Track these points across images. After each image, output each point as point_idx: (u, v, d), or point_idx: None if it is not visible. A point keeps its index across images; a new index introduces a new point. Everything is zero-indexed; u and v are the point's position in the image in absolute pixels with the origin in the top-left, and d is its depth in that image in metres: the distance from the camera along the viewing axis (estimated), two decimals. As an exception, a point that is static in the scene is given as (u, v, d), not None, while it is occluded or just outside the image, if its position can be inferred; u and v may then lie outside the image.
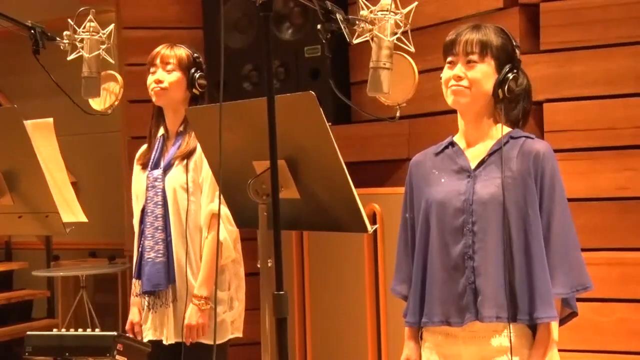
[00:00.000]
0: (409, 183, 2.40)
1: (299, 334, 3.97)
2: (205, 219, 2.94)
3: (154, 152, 3.05)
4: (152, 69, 3.03)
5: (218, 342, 2.95)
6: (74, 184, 2.69)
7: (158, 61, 3.02)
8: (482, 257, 2.22)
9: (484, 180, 2.25)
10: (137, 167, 3.12)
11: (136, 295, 3.07)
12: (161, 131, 3.08)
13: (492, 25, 2.30)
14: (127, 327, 3.09)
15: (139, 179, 3.08)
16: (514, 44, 2.27)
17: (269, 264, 2.05)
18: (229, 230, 2.92)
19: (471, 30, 2.26)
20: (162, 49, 3.03)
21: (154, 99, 3.05)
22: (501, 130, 2.26)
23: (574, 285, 2.22)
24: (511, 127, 2.31)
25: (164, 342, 2.98)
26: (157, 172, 3.00)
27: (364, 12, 2.05)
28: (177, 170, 2.98)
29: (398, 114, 2.17)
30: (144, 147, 3.13)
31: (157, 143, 3.06)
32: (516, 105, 2.30)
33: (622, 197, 3.34)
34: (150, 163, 3.04)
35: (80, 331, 2.43)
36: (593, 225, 3.30)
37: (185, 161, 2.97)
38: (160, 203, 2.97)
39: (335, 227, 2.17)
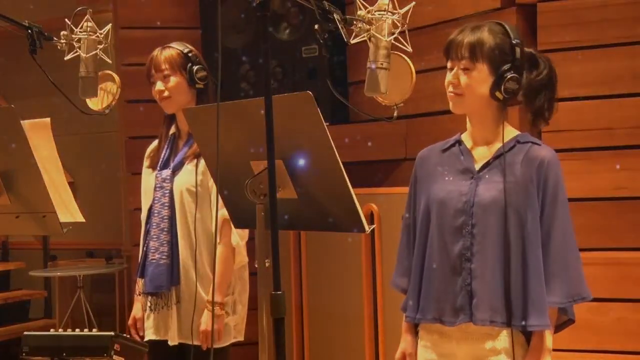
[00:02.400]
0: (414, 177, 2.39)
1: (297, 333, 3.97)
2: (217, 225, 2.91)
3: (164, 152, 3.04)
4: (151, 80, 3.02)
5: (222, 345, 2.95)
6: (71, 184, 2.68)
7: (153, 71, 3.00)
8: (479, 260, 2.21)
9: (487, 183, 2.24)
10: (145, 164, 3.12)
11: (139, 294, 3.07)
12: (172, 130, 3.07)
13: (492, 23, 2.26)
14: (130, 322, 3.09)
15: (147, 176, 3.08)
16: (513, 41, 2.22)
17: (267, 264, 2.05)
18: (240, 235, 2.91)
19: (464, 33, 2.24)
20: (154, 55, 3.01)
21: (164, 110, 3.05)
22: (502, 133, 2.25)
23: (571, 295, 2.21)
24: (535, 118, 2.28)
25: (169, 343, 2.97)
26: (166, 173, 2.99)
27: (361, 12, 2.05)
28: (187, 171, 2.97)
29: (395, 114, 2.17)
30: (155, 143, 3.12)
31: (168, 142, 3.05)
32: (537, 95, 2.26)
33: (619, 197, 3.34)
34: (159, 162, 3.03)
35: (77, 331, 2.43)
36: (590, 225, 3.31)
37: (195, 161, 2.95)
38: (167, 204, 2.96)
39: (332, 227, 2.17)
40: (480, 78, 2.21)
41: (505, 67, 2.20)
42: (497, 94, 2.21)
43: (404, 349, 2.38)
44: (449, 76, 2.26)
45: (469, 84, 2.22)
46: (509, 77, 2.20)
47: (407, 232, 2.39)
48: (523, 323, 2.18)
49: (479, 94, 2.22)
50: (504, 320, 2.19)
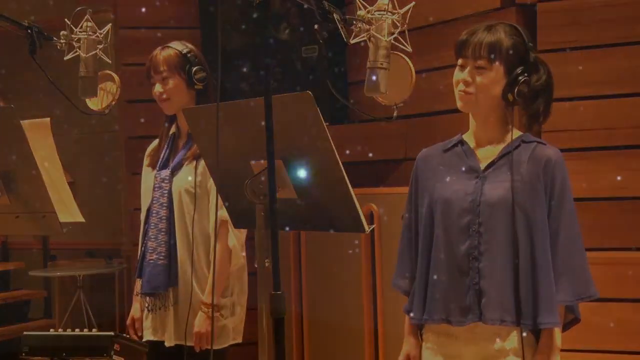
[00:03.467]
0: (415, 177, 2.38)
1: (296, 333, 3.97)
2: (213, 227, 2.90)
3: (163, 151, 3.04)
4: (151, 81, 3.00)
5: (220, 347, 2.95)
6: (70, 184, 2.69)
7: (152, 72, 2.99)
8: (487, 259, 2.21)
9: (493, 182, 2.24)
10: (145, 163, 3.11)
11: (137, 294, 3.06)
12: (173, 129, 3.06)
13: (506, 24, 2.26)
14: (128, 322, 3.08)
15: (147, 175, 3.08)
16: (527, 44, 2.23)
17: (267, 264, 2.05)
18: (237, 237, 2.90)
19: (482, 33, 2.23)
20: (153, 56, 2.99)
21: (164, 111, 3.04)
22: (511, 133, 2.25)
23: (578, 293, 2.21)
24: (530, 121, 2.29)
25: (166, 344, 2.97)
26: (165, 173, 2.98)
27: (361, 12, 2.05)
28: (186, 172, 2.96)
29: (395, 114, 2.17)
30: (155, 142, 3.11)
31: (168, 142, 3.05)
32: (535, 100, 2.26)
33: (619, 197, 3.34)
34: (159, 162, 3.03)
35: (77, 331, 2.43)
36: (590, 225, 3.30)
37: (194, 162, 2.94)
38: (165, 205, 2.95)
39: (332, 226, 2.17)
40: (496, 79, 2.21)
41: (519, 70, 2.21)
42: (509, 96, 2.21)
43: (408, 351, 2.37)
44: (460, 74, 2.24)
45: (483, 83, 2.22)
46: (522, 80, 2.20)
47: (408, 233, 2.38)
48: (532, 322, 2.18)
49: (492, 94, 2.22)
50: (513, 320, 2.19)
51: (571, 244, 2.22)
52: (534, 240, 2.19)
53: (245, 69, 4.36)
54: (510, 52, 2.21)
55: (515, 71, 2.20)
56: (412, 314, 2.33)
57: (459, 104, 2.27)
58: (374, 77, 2.05)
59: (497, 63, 2.21)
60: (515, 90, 2.20)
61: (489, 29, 2.24)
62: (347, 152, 3.89)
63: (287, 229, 2.15)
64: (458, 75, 2.25)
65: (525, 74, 2.21)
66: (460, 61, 2.26)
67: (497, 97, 2.23)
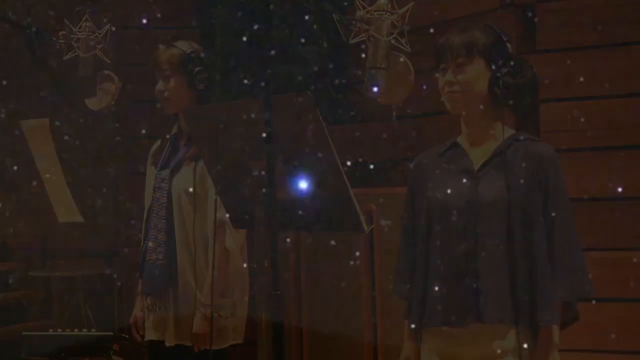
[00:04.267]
0: (411, 183, 2.39)
1: (295, 334, 3.97)
2: (212, 228, 2.90)
3: (165, 151, 3.03)
4: (155, 79, 3.00)
5: (219, 348, 2.94)
6: (69, 184, 2.69)
7: (155, 69, 2.98)
8: (484, 259, 2.21)
9: (488, 182, 2.24)
10: (149, 162, 3.11)
11: (139, 294, 3.06)
12: (174, 129, 3.06)
13: (479, 24, 2.28)
14: (131, 320, 3.07)
15: (151, 175, 3.07)
16: (504, 38, 2.25)
17: (265, 265, 2.05)
18: (236, 238, 2.90)
19: (456, 34, 2.25)
20: (157, 54, 2.98)
21: (165, 110, 3.04)
22: (502, 130, 2.25)
23: (575, 290, 2.21)
24: (520, 120, 2.30)
25: (166, 344, 2.97)
26: (165, 173, 2.98)
27: (360, 12, 2.05)
28: (186, 172, 2.95)
29: (395, 114, 2.17)
30: (158, 142, 3.11)
31: (170, 141, 3.04)
32: (523, 98, 2.27)
33: (619, 197, 3.34)
34: (160, 162, 3.02)
35: (76, 331, 2.43)
36: (590, 225, 3.30)
37: (194, 163, 2.94)
38: (165, 205, 2.95)
39: (331, 227, 2.17)
40: (478, 73, 2.22)
41: (500, 62, 2.22)
42: (496, 88, 2.21)
43: (407, 356, 2.37)
44: (444, 78, 2.26)
45: (466, 79, 2.22)
46: (505, 71, 2.21)
47: (406, 238, 2.38)
48: (531, 319, 2.17)
49: (477, 90, 2.23)
50: (512, 318, 2.19)
51: (568, 240, 2.22)
52: (531, 237, 2.19)
53: (244, 69, 4.37)
54: (488, 46, 2.22)
55: (498, 63, 2.21)
56: (411, 319, 2.33)
57: (448, 106, 2.27)
58: (373, 78, 2.05)
59: (476, 57, 2.22)
60: (501, 82, 2.20)
61: (463, 30, 2.26)
62: (347, 152, 3.88)
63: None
64: (441, 79, 2.27)
65: (508, 66, 2.21)
66: (441, 66, 2.27)
67: (483, 93, 2.23)
